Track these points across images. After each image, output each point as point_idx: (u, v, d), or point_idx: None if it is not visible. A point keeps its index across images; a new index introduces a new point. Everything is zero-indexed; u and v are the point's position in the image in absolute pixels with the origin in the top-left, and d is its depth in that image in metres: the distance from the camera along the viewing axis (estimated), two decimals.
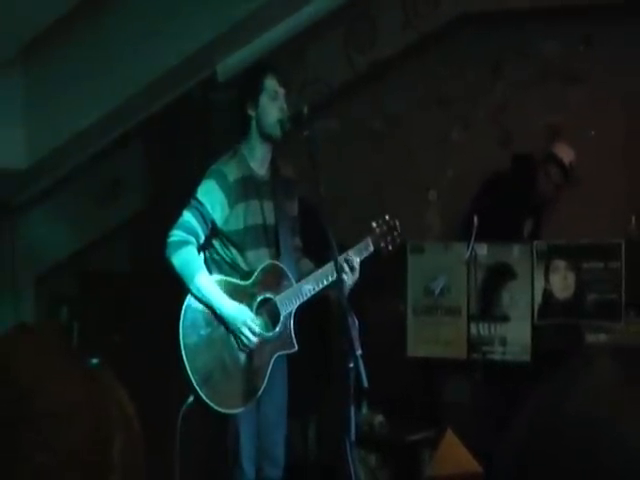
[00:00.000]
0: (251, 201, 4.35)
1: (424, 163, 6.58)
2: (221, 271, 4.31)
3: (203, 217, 4.24)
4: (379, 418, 5.66)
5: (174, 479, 4.19)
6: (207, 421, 4.44)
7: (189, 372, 4.12)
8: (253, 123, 4.36)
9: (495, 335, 5.51)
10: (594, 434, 0.89)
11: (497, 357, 5.51)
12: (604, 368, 0.93)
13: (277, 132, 4.31)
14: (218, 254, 4.34)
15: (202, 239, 4.27)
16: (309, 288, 4.31)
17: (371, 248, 4.39)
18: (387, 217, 4.50)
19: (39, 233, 7.23)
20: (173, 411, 4.19)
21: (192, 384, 4.11)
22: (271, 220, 4.39)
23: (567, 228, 6.07)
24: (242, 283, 4.29)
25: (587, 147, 6.13)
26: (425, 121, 6.57)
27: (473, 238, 5.36)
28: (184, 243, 4.20)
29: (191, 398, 4.12)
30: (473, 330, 5.51)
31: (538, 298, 5.43)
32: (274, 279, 4.34)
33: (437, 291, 5.65)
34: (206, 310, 4.22)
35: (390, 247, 4.47)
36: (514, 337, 5.46)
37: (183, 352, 4.12)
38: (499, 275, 5.51)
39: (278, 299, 4.31)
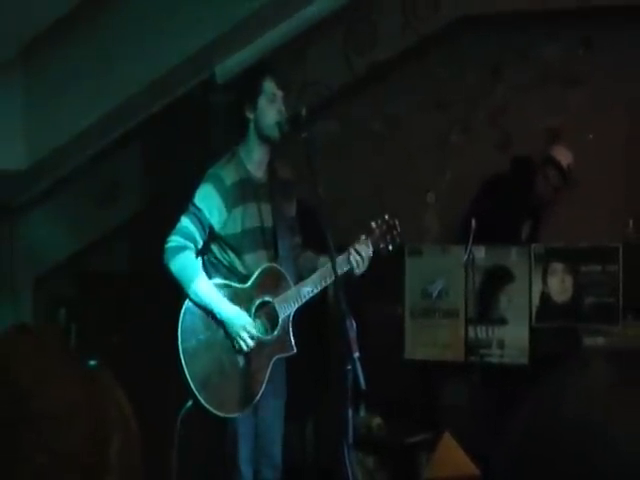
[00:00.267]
0: (249, 204, 4.35)
1: (423, 165, 6.58)
2: (219, 275, 4.31)
3: (201, 222, 4.25)
4: (377, 420, 5.66)
5: None
6: (205, 424, 4.44)
7: (188, 376, 4.12)
8: (251, 125, 4.36)
9: (493, 338, 5.51)
10: (589, 437, 0.89)
11: (495, 360, 5.51)
12: (599, 371, 0.93)
13: (275, 134, 4.32)
14: (216, 258, 4.33)
15: (200, 244, 4.27)
16: (308, 290, 4.31)
17: (371, 247, 4.40)
18: (386, 217, 4.50)
19: (38, 234, 7.22)
20: (171, 412, 4.19)
21: (191, 388, 4.11)
22: (269, 222, 4.39)
23: (565, 231, 6.07)
24: (240, 286, 4.29)
25: (586, 150, 6.13)
26: (424, 123, 6.57)
27: (471, 241, 5.36)
28: (182, 248, 4.20)
29: (190, 402, 4.12)
30: (471, 333, 5.51)
31: (536, 301, 5.43)
32: (272, 282, 4.34)
33: (435, 294, 5.65)
34: (204, 314, 4.22)
35: (390, 247, 4.48)
36: (512, 340, 5.47)
37: (182, 356, 4.12)
38: (497, 278, 5.52)
39: (276, 302, 4.31)
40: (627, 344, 5.21)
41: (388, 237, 4.47)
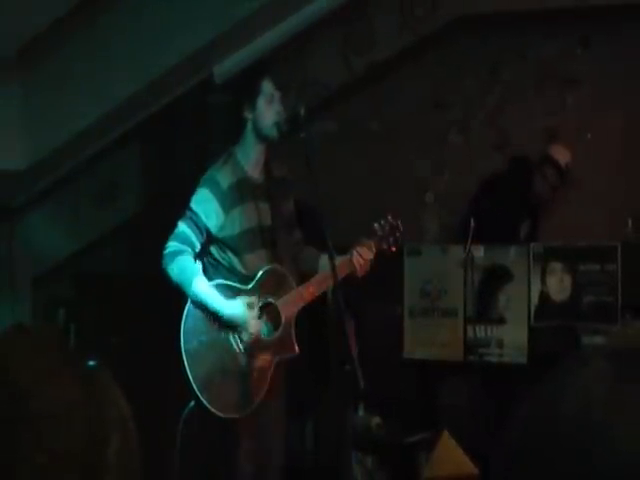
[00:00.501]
0: (246, 204, 4.36)
1: (421, 165, 6.59)
2: (220, 276, 4.31)
3: (197, 226, 4.26)
4: (376, 420, 5.66)
5: None
6: (207, 424, 4.44)
7: (190, 378, 4.12)
8: (249, 125, 4.37)
9: (492, 337, 5.51)
10: (588, 436, 0.89)
11: (494, 359, 5.51)
12: (597, 370, 0.93)
13: (273, 134, 4.32)
14: (215, 259, 4.34)
15: (197, 247, 4.28)
16: (310, 292, 4.32)
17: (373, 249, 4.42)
18: (389, 217, 4.52)
19: (37, 234, 7.22)
20: (171, 412, 4.19)
21: (193, 390, 4.11)
22: (267, 221, 4.40)
23: (564, 230, 6.08)
24: (243, 287, 4.29)
25: (584, 149, 6.14)
26: (422, 123, 6.58)
27: (470, 240, 5.36)
28: (179, 252, 4.21)
29: (192, 403, 4.13)
30: (470, 332, 5.52)
31: (535, 300, 5.43)
32: (275, 283, 4.35)
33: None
34: (207, 316, 4.22)
35: (393, 248, 4.49)
36: (511, 339, 5.47)
37: (184, 358, 4.13)
38: (496, 277, 5.52)
39: (279, 303, 4.32)
40: (626, 343, 5.20)
41: (391, 238, 4.49)
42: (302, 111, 4.26)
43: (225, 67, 6.34)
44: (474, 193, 6.08)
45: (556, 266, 5.42)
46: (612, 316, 5.27)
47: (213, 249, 4.33)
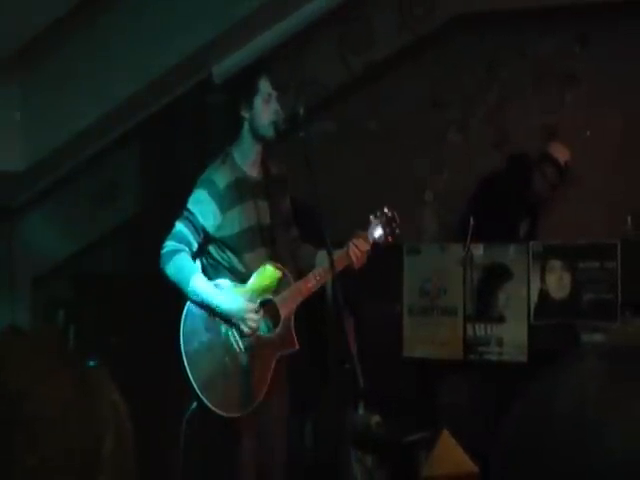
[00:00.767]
0: (245, 203, 4.36)
1: (420, 164, 6.59)
2: (219, 276, 4.31)
3: (194, 226, 4.26)
4: (376, 418, 5.66)
5: None
6: (209, 423, 4.45)
7: (191, 378, 4.12)
8: (246, 124, 4.37)
9: (491, 335, 5.51)
10: (583, 433, 0.89)
11: (493, 357, 5.51)
12: (593, 368, 0.94)
13: (270, 134, 4.32)
14: (215, 260, 4.34)
15: (195, 247, 4.28)
16: (308, 287, 4.33)
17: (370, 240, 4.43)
18: (385, 209, 4.53)
19: (36, 235, 7.22)
20: (171, 412, 4.20)
21: (194, 390, 4.12)
22: (266, 220, 4.40)
23: (563, 228, 6.08)
24: (242, 286, 4.29)
25: (583, 147, 6.14)
26: (421, 122, 6.58)
27: (469, 238, 5.36)
28: (177, 251, 4.22)
29: (195, 403, 4.13)
30: (469, 330, 5.52)
31: (534, 298, 5.43)
32: None
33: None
34: (206, 316, 4.23)
35: (390, 239, 4.50)
36: (510, 337, 5.47)
37: (184, 359, 4.13)
38: (495, 275, 5.52)
39: (278, 300, 4.32)
40: (625, 341, 5.20)
41: (388, 229, 4.50)
42: (301, 111, 4.26)
43: (224, 67, 6.35)
44: (473, 191, 6.08)
45: (555, 264, 5.42)
46: (612, 314, 5.27)
47: (212, 249, 4.33)
